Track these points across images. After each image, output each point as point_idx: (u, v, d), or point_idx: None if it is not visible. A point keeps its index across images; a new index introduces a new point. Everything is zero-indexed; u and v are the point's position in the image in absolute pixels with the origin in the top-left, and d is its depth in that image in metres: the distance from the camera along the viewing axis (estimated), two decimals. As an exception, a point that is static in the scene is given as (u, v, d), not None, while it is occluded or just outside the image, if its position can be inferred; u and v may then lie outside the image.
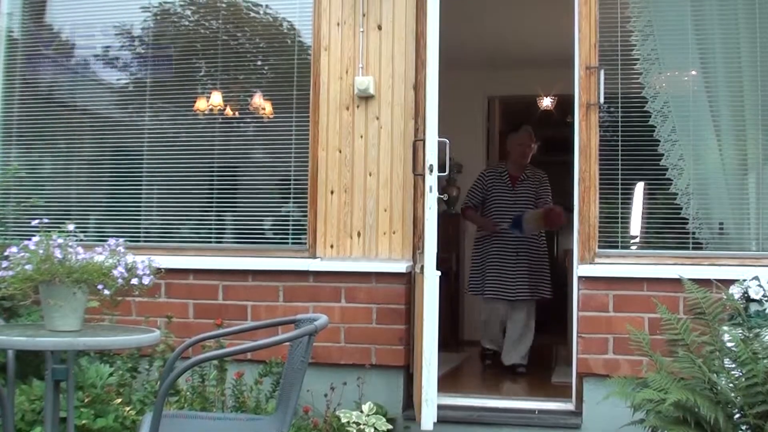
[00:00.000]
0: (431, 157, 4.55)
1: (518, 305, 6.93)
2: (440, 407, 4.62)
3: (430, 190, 4.53)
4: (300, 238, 5.42)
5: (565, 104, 8.62)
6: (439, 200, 4.65)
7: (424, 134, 4.72)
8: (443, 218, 5.50)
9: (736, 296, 4.29)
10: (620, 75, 5.07)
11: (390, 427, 4.81)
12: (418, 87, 5.18)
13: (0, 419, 3.39)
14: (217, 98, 5.66)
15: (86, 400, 4.48)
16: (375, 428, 4.70)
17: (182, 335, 4.71)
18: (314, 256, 5.27)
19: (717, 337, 3.99)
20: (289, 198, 5.54)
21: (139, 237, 5.64)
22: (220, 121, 5.69)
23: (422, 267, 4.60)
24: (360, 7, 5.28)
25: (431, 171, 4.54)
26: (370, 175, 5.22)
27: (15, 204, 5.59)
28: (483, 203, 7.11)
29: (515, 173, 7.10)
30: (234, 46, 5.75)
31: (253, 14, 5.79)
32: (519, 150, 7.15)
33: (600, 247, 4.98)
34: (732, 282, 4.41)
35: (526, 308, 6.95)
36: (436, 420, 4.54)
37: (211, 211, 5.64)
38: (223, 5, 5.81)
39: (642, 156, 5.05)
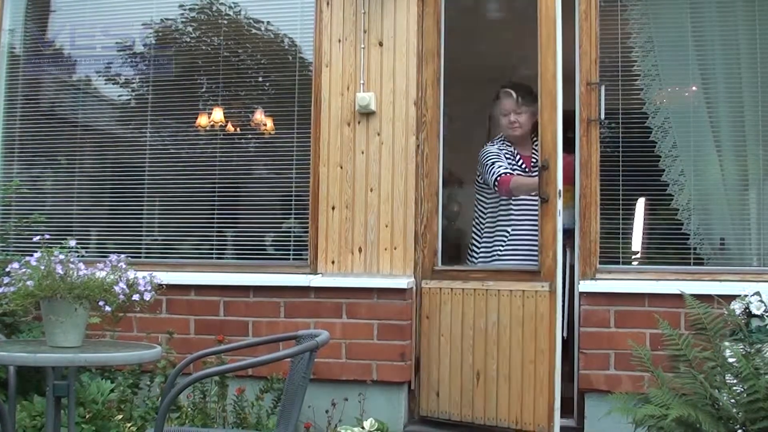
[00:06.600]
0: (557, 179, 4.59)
1: None
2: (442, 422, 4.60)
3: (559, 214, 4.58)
4: (301, 254, 5.42)
5: (566, 120, 8.57)
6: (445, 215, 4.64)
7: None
8: (446, 232, 5.48)
9: (738, 312, 4.27)
10: (621, 91, 5.08)
11: (391, 443, 4.81)
12: (420, 103, 5.19)
13: (1, 436, 3.39)
14: (218, 114, 5.67)
15: (87, 417, 4.48)
16: (376, 444, 4.70)
17: (183, 351, 4.71)
18: (315, 272, 5.27)
19: (718, 352, 3.98)
20: (291, 214, 5.55)
21: (140, 253, 5.64)
22: (222, 137, 5.70)
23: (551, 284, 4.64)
24: (361, 23, 5.30)
25: (559, 195, 4.58)
26: (371, 190, 5.23)
27: (16, 220, 5.59)
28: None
29: (525, 153, 5.48)
30: (235, 62, 5.77)
31: (254, 31, 5.81)
32: (505, 123, 5.49)
33: (601, 262, 4.98)
34: (733, 297, 4.38)
35: None
36: None
37: (213, 227, 5.64)
38: (225, 22, 5.83)
39: (643, 172, 5.06)
